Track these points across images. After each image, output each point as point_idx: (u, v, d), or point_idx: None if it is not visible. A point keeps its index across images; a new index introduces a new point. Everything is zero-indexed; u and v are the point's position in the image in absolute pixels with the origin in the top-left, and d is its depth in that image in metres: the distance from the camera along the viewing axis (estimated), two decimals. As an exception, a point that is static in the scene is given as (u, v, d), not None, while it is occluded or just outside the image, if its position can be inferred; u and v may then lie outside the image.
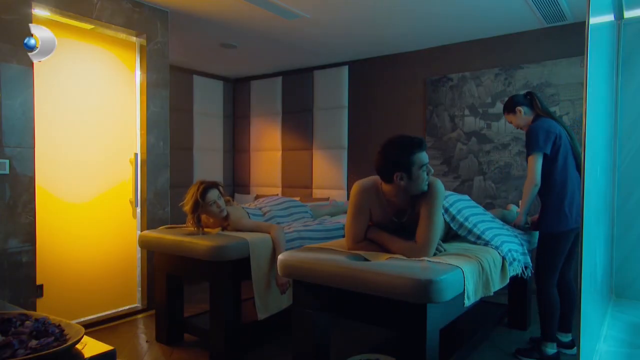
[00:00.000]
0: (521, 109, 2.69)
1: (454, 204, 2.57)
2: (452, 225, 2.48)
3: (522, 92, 3.13)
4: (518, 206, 3.26)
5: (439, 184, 2.10)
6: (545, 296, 2.59)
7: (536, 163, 2.53)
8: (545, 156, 2.54)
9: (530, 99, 2.72)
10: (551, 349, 2.60)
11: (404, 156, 1.99)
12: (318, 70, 5.38)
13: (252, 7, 3.50)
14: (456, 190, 4.42)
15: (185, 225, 2.97)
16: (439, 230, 2.08)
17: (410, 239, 2.06)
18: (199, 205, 2.71)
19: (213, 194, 2.73)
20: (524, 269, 2.48)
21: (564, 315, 2.73)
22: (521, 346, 2.78)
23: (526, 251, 2.61)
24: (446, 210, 2.52)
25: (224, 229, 2.87)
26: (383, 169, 2.05)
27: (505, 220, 3.11)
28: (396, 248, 2.06)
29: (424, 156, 2.03)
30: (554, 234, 2.56)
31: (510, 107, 2.74)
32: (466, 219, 2.50)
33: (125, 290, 3.55)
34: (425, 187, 2.06)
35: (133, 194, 3.50)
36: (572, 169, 2.58)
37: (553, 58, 3.92)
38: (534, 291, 3.54)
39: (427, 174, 2.04)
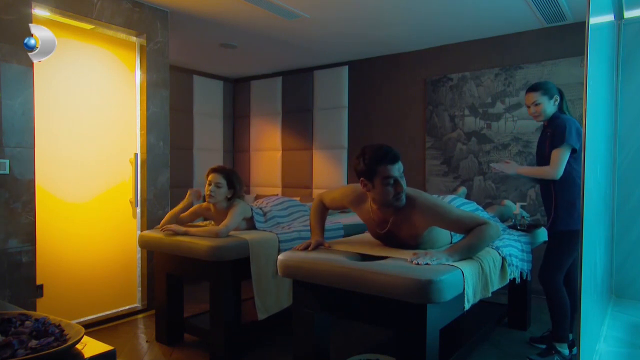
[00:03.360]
0: (558, 99, 2.57)
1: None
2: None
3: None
4: (513, 202, 3.24)
5: (426, 197, 2.09)
6: (555, 296, 2.56)
7: (564, 157, 2.45)
8: (572, 152, 2.47)
9: (560, 94, 2.62)
10: (564, 350, 2.57)
11: (370, 164, 1.99)
12: (318, 70, 5.38)
13: (252, 7, 3.50)
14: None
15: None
16: (470, 213, 2.18)
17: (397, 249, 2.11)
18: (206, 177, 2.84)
19: (215, 177, 2.79)
20: (520, 274, 2.47)
21: None
22: (521, 348, 2.78)
23: (527, 257, 2.60)
24: None
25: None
26: (355, 172, 2.09)
27: (502, 217, 3.12)
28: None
29: (390, 169, 1.97)
30: (570, 232, 2.51)
31: (549, 91, 2.57)
32: None
33: (125, 290, 3.54)
34: (395, 202, 2.03)
35: (133, 194, 3.50)
36: None
37: (553, 58, 3.92)
38: (534, 291, 3.55)
39: (395, 189, 2.00)
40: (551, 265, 2.58)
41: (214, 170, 2.83)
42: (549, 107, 2.57)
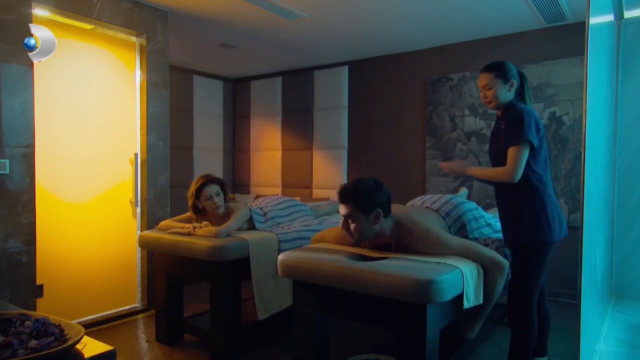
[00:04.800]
0: (515, 83, 2.17)
1: (459, 210, 2.58)
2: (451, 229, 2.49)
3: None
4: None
5: (422, 230, 2.09)
6: (524, 325, 2.09)
7: (522, 156, 2.01)
8: (530, 149, 2.04)
9: (520, 79, 2.24)
10: None
11: None
12: (318, 70, 5.38)
13: (252, 7, 3.50)
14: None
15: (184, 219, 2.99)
16: (474, 245, 2.19)
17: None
18: (197, 198, 2.79)
19: (210, 189, 2.77)
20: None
21: (539, 337, 2.31)
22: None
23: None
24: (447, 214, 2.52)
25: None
26: None
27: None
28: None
29: (341, 207, 2.04)
30: (535, 243, 2.08)
31: (504, 73, 2.16)
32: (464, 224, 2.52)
33: (125, 290, 3.54)
34: (354, 238, 2.06)
35: (133, 194, 3.50)
36: (548, 169, 2.15)
37: (553, 58, 3.92)
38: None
39: (347, 227, 2.03)
40: (521, 288, 2.10)
41: (209, 182, 2.79)
42: (503, 93, 2.16)
